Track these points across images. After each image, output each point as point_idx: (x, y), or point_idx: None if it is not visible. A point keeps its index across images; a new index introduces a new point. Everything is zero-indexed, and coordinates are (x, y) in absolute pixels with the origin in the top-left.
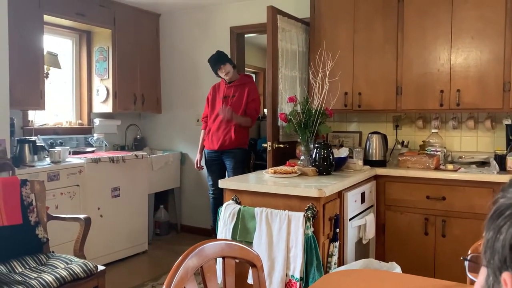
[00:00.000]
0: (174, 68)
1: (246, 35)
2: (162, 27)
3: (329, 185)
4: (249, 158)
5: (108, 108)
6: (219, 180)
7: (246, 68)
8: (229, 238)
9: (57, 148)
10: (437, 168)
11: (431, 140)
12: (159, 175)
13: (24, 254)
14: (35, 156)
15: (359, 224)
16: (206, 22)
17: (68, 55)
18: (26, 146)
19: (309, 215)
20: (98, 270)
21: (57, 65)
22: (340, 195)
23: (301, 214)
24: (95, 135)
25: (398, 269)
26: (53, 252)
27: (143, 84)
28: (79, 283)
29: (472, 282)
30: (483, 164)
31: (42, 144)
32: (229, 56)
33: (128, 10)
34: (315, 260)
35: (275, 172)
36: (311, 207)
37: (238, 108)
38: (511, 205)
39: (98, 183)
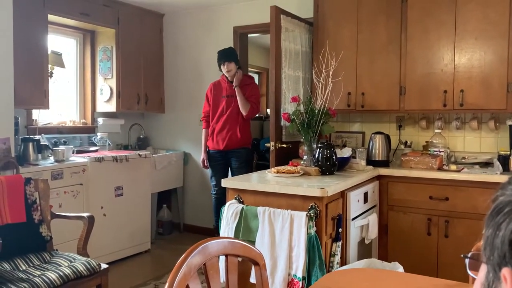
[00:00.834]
0: (178, 68)
1: (249, 35)
2: (166, 27)
3: (332, 185)
4: (252, 158)
5: (111, 107)
6: (222, 180)
7: (249, 69)
8: (231, 237)
9: (61, 147)
10: (440, 169)
11: (434, 141)
12: (162, 174)
13: (27, 252)
14: (39, 155)
15: (362, 224)
16: (209, 22)
17: (72, 54)
18: (30, 144)
19: (312, 214)
20: (101, 268)
21: (61, 64)
22: (343, 195)
23: (304, 213)
24: (98, 134)
25: (400, 269)
26: (56, 250)
27: (147, 84)
28: (82, 281)
29: (474, 280)
30: (486, 164)
31: (46, 143)
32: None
33: (132, 9)
34: (317, 259)
35: (278, 172)
36: (313, 206)
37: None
38: (510, 202)
39: (101, 182)
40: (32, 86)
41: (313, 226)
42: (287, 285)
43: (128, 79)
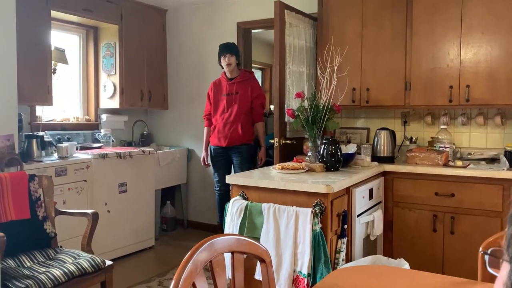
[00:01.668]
0: (181, 64)
1: (252, 31)
2: (169, 22)
3: (337, 181)
4: (255, 154)
5: (115, 104)
6: (226, 176)
7: (252, 64)
8: (236, 233)
9: (65, 144)
10: (446, 165)
11: (439, 137)
12: (165, 171)
13: (32, 249)
14: (43, 152)
15: (367, 220)
16: (212, 17)
17: (75, 50)
18: (34, 141)
19: (317, 211)
20: (106, 265)
21: (64, 61)
22: (348, 191)
23: (309, 210)
24: (102, 131)
25: (406, 265)
26: (61, 246)
27: (150, 80)
28: (87, 277)
29: (490, 278)
30: (492, 160)
31: (50, 139)
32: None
33: (135, 5)
34: (322, 256)
35: (282, 168)
36: (319, 203)
37: (244, 105)
38: None
39: (105, 178)
40: (35, 82)
41: (318, 223)
42: (292, 281)
43: (132, 75)
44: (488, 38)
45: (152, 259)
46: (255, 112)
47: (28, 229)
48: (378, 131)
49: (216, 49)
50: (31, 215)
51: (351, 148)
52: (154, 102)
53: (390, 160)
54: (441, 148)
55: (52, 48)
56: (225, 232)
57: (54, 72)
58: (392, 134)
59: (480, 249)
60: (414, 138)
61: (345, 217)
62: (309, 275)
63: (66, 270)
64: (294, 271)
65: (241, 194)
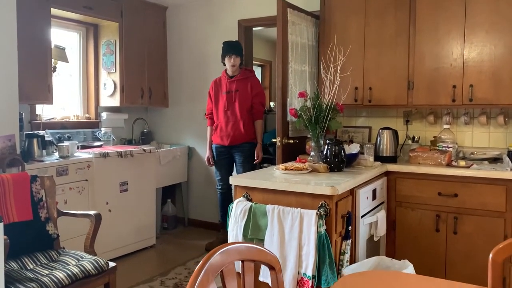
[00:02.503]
0: (181, 62)
1: (253, 28)
2: (169, 20)
3: (341, 183)
4: None
5: (115, 102)
6: (229, 177)
7: (253, 62)
8: (240, 235)
9: (66, 143)
10: (449, 165)
11: (442, 136)
12: (166, 169)
13: (35, 251)
14: (44, 151)
15: (371, 221)
16: (213, 15)
17: (75, 48)
18: (35, 140)
19: (322, 213)
20: (109, 267)
21: (64, 59)
22: (352, 192)
23: (314, 212)
24: (102, 129)
25: (410, 267)
26: (63, 248)
27: (150, 78)
28: (90, 280)
29: (493, 283)
30: (495, 160)
31: (50, 138)
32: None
33: (135, 3)
34: (327, 258)
35: (286, 169)
36: (323, 204)
37: (244, 103)
38: None
39: (106, 177)
40: (36, 81)
41: (323, 225)
42: (297, 283)
43: (132, 73)
44: (492, 36)
45: (153, 258)
46: (254, 110)
47: (31, 231)
48: (380, 130)
49: (217, 46)
50: (34, 217)
51: (354, 148)
52: (155, 100)
53: (392, 160)
54: (444, 148)
55: (52, 46)
56: (229, 234)
57: (54, 70)
58: (395, 133)
59: (491, 255)
60: (416, 137)
61: (350, 219)
62: (313, 277)
63: (70, 273)
64: (298, 273)
65: (245, 195)
